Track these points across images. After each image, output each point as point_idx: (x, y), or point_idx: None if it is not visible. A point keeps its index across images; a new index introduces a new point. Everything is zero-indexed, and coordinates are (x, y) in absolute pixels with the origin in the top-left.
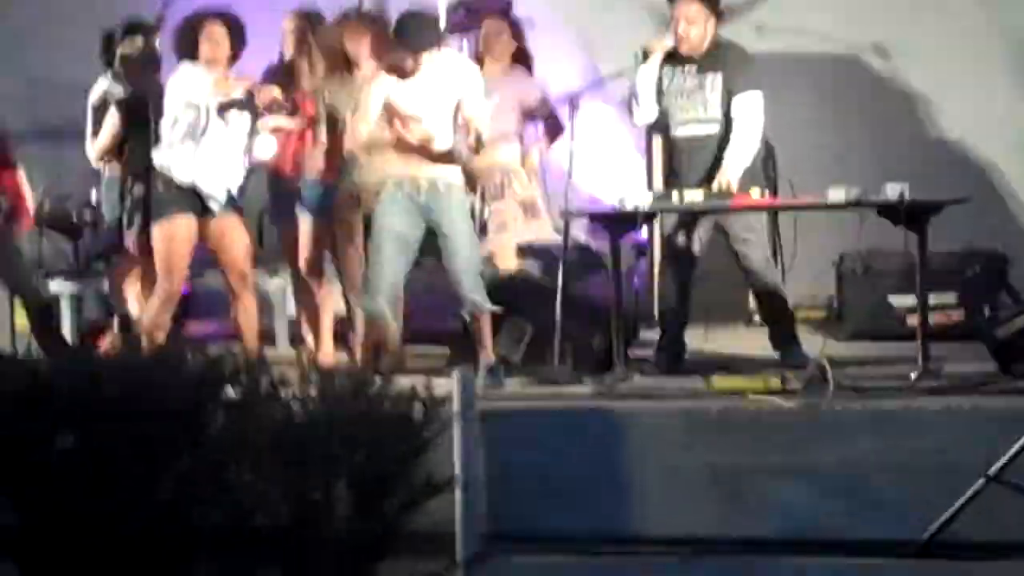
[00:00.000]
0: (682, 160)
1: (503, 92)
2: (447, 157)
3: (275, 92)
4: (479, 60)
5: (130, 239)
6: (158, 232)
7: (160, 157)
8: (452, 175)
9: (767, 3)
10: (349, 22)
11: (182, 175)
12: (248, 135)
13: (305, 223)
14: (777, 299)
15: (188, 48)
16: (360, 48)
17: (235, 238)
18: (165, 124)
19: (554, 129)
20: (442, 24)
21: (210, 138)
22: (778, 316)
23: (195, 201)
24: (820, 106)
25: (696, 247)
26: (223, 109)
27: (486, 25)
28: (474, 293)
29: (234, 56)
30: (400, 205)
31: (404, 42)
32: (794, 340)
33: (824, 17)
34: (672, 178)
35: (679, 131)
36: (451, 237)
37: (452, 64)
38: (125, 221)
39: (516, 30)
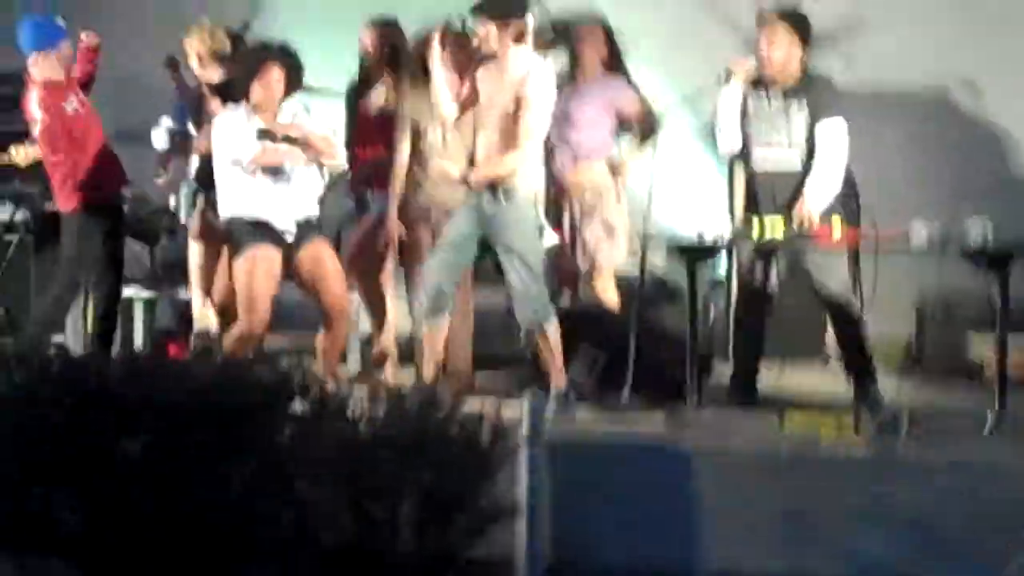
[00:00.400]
0: (763, 189)
1: (596, 101)
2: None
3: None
4: (571, 68)
5: (191, 222)
6: (239, 265)
7: (226, 209)
8: (520, 183)
9: (856, 35)
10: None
11: (254, 213)
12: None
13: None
14: (855, 332)
15: (241, 84)
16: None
17: (329, 266)
18: (219, 177)
19: (650, 133)
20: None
21: (272, 177)
22: (855, 350)
23: (275, 233)
24: (906, 139)
25: (773, 279)
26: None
27: (579, 31)
28: (528, 313)
29: (286, 94)
30: (462, 213)
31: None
32: (870, 376)
33: (913, 50)
34: (752, 207)
35: (760, 157)
36: (513, 253)
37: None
38: (185, 206)
39: (609, 37)
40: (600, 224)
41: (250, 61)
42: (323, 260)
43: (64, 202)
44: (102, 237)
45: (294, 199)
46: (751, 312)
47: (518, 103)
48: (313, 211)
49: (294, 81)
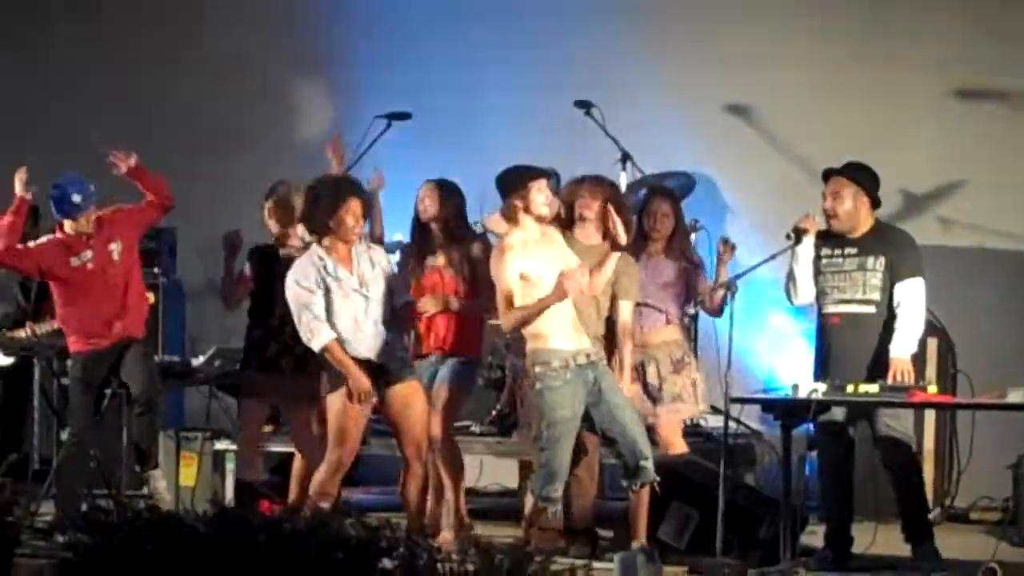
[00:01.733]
0: (834, 339)
1: (665, 274)
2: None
3: None
4: (644, 237)
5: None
6: (334, 402)
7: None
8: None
9: (952, 198)
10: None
11: (357, 352)
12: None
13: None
14: (915, 493)
15: (325, 216)
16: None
17: (417, 407)
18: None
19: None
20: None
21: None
22: (913, 510)
23: (370, 368)
24: (1002, 302)
25: (855, 438)
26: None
27: (655, 203)
28: (648, 460)
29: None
30: (571, 387)
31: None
32: (928, 536)
33: (1007, 214)
34: (822, 358)
35: (833, 309)
36: (617, 403)
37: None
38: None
39: (678, 211)
40: (689, 380)
41: (333, 194)
42: (411, 401)
43: (71, 343)
44: (94, 384)
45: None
46: (837, 467)
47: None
48: (405, 351)
49: (366, 217)
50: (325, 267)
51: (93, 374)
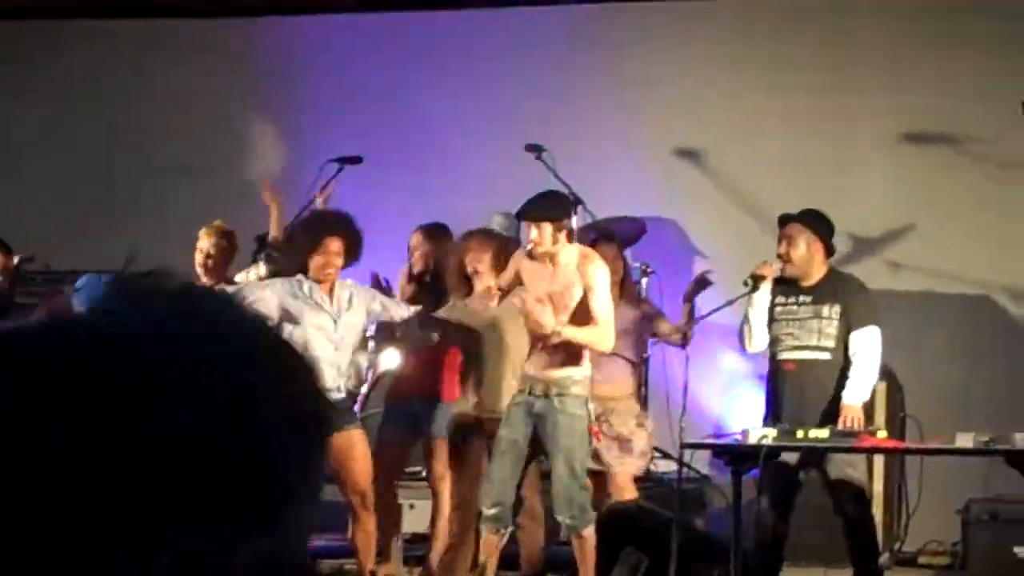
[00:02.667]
0: (788, 386)
1: (622, 320)
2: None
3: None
4: None
5: None
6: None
7: None
8: (569, 383)
9: (901, 242)
10: (472, 238)
11: None
12: (366, 340)
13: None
14: (866, 543)
15: (301, 253)
16: (480, 263)
17: (358, 456)
18: None
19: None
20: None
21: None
22: (864, 560)
23: None
24: (952, 346)
25: (800, 480)
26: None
27: (600, 249)
28: (566, 517)
29: (344, 267)
30: (516, 410)
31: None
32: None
33: (958, 258)
34: (776, 405)
35: (788, 356)
36: (552, 454)
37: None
38: None
39: (623, 257)
40: (616, 438)
41: (311, 231)
42: (353, 448)
43: None
44: None
45: (338, 372)
46: (776, 512)
47: (585, 291)
48: (348, 398)
49: (353, 253)
50: (301, 286)
51: None
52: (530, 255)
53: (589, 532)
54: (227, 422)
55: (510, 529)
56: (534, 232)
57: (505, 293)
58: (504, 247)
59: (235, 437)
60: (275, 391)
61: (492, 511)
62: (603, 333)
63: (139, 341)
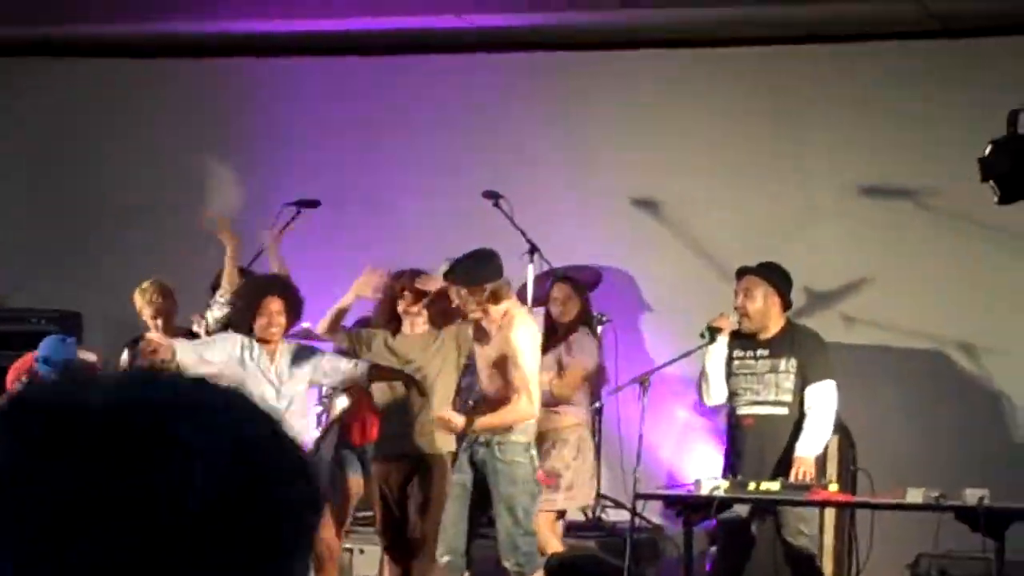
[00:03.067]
0: (747, 440)
1: (573, 355)
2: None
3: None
4: (550, 325)
5: None
6: None
7: None
8: (508, 431)
9: (856, 296)
10: (408, 280)
11: None
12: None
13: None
14: None
15: (244, 316)
16: (412, 307)
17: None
18: None
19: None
20: (529, 295)
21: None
22: None
23: None
24: (906, 401)
25: (754, 532)
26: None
27: (553, 290)
28: (512, 565)
29: (288, 327)
30: (463, 455)
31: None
32: None
33: (912, 313)
34: (735, 459)
35: (746, 411)
36: (495, 502)
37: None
38: None
39: (582, 295)
40: (571, 474)
41: (250, 295)
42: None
43: None
44: None
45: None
46: (730, 564)
47: (505, 357)
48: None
49: (294, 312)
50: (252, 350)
51: None
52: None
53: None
54: (238, 475)
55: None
56: (453, 294)
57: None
58: (440, 293)
59: (247, 488)
60: (278, 446)
61: (445, 559)
62: (521, 407)
63: (157, 406)
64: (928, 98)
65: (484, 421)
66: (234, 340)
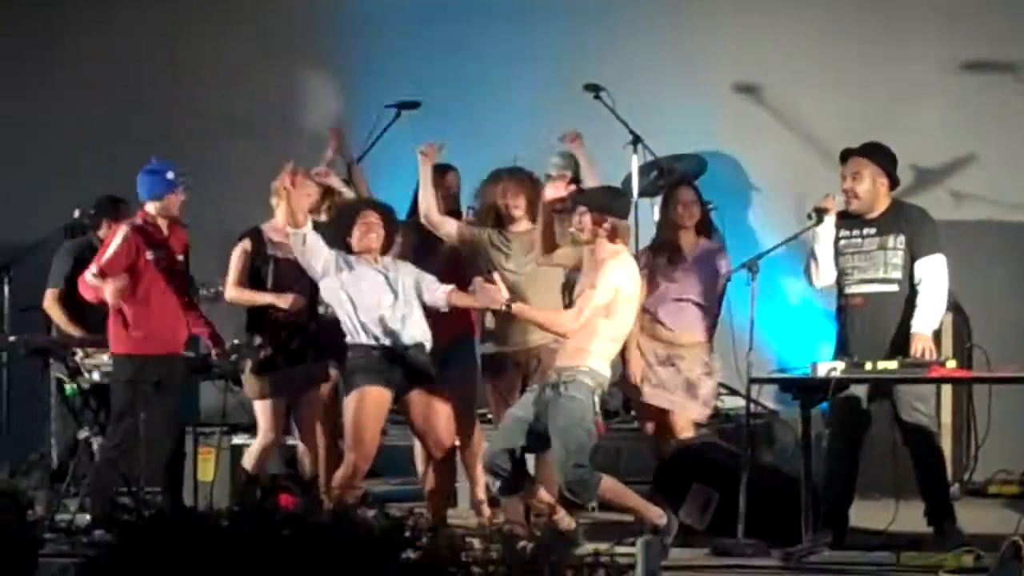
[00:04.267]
0: (857, 320)
1: (692, 263)
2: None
3: None
4: (669, 225)
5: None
6: (349, 402)
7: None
8: (576, 373)
9: (964, 171)
10: (506, 178)
11: (383, 340)
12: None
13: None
14: (937, 474)
15: (341, 236)
16: (517, 207)
17: (440, 412)
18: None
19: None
20: (635, 186)
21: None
22: (934, 493)
23: (392, 371)
24: (1015, 275)
25: (871, 415)
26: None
27: (679, 193)
28: (567, 491)
29: (386, 242)
30: (529, 395)
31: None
32: (949, 516)
33: (1018, 187)
34: (845, 339)
35: (856, 290)
36: (557, 433)
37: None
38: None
39: (702, 199)
40: (683, 382)
41: (345, 212)
42: (432, 407)
43: (114, 343)
44: (148, 387)
45: (409, 336)
46: (847, 446)
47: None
48: (426, 356)
49: (391, 227)
50: (344, 258)
51: (144, 377)
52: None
53: (592, 503)
54: None
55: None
56: (576, 218)
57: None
58: (538, 192)
59: None
60: None
61: (497, 484)
62: (564, 318)
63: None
64: None
65: (526, 309)
66: (328, 252)
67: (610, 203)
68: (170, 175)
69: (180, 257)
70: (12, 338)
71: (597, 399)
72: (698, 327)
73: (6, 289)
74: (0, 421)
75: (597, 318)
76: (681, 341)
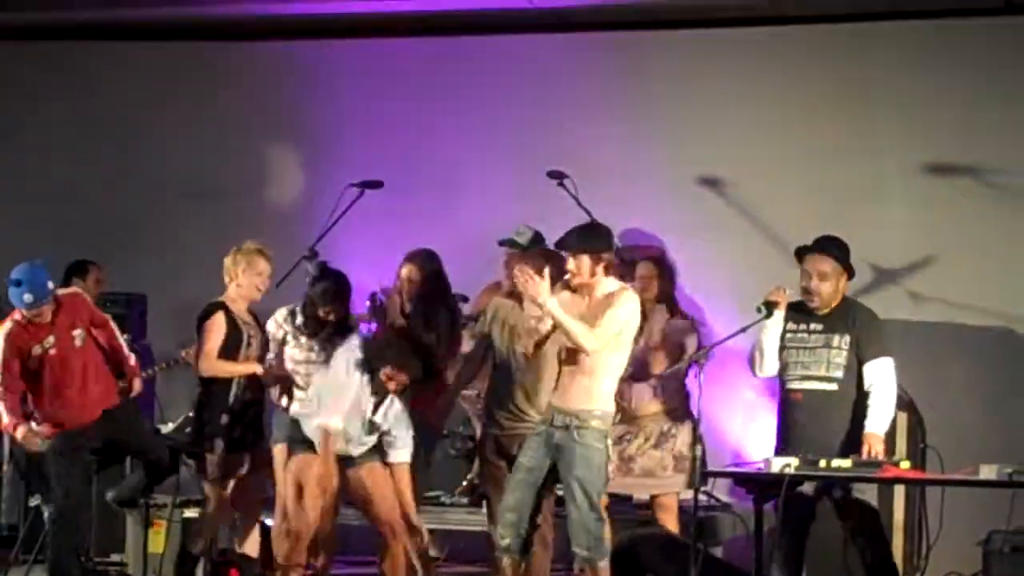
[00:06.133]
0: (797, 415)
1: (654, 333)
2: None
3: None
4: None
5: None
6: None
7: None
8: (588, 417)
9: (922, 273)
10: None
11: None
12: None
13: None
14: (884, 561)
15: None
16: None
17: (380, 488)
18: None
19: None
20: None
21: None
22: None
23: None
24: (971, 377)
25: (816, 507)
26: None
27: (640, 267)
28: (582, 549)
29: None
30: (535, 440)
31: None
32: None
33: (977, 289)
34: (785, 434)
35: (796, 386)
36: (569, 485)
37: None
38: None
39: (666, 273)
40: (670, 454)
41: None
42: (376, 482)
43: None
44: (84, 451)
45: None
46: (793, 543)
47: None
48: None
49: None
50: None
51: (77, 448)
52: (568, 286)
53: (604, 565)
54: None
55: (526, 557)
56: (572, 263)
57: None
58: (546, 263)
59: None
60: None
61: (507, 540)
62: (592, 336)
63: None
64: (995, 77)
65: (557, 311)
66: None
67: (598, 239)
68: (28, 298)
69: (77, 332)
70: None
71: (610, 444)
72: (651, 400)
73: None
74: None
75: (608, 352)
76: (638, 414)
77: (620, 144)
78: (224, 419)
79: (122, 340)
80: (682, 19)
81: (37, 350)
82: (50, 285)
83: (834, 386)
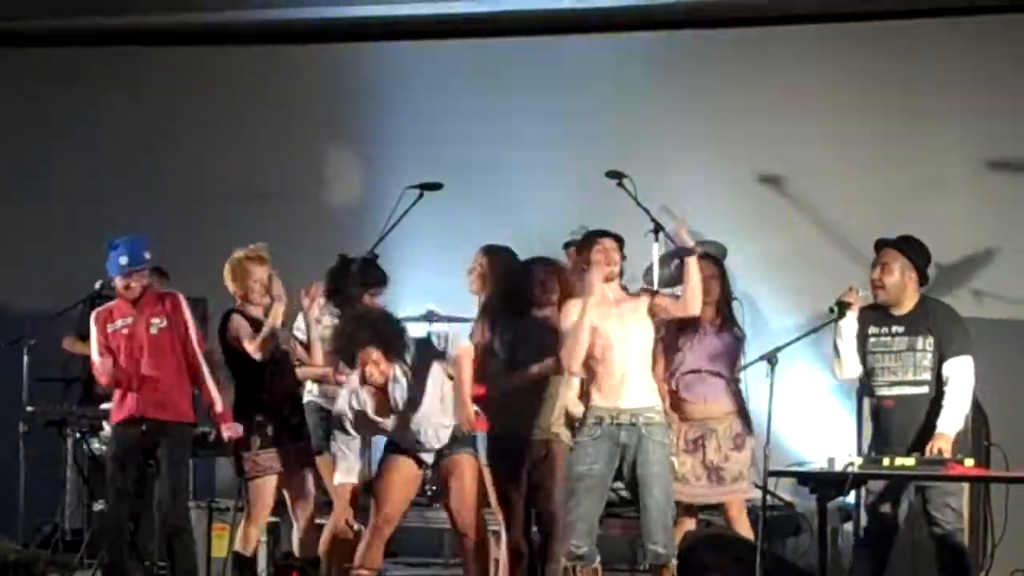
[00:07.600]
0: (890, 422)
1: (715, 344)
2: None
3: None
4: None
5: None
6: (381, 465)
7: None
8: (653, 412)
9: (985, 271)
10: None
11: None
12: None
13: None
14: (961, 563)
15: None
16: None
17: (463, 481)
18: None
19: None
20: (655, 275)
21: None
22: None
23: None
24: None
25: (900, 517)
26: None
27: (705, 267)
28: (659, 546)
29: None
30: (596, 445)
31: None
32: None
33: None
34: (879, 440)
35: (887, 392)
36: (645, 483)
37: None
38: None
39: (725, 280)
40: (702, 464)
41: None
42: (456, 473)
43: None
44: (133, 455)
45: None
46: (874, 548)
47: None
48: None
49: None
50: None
51: (125, 451)
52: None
53: (675, 563)
54: None
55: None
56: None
57: None
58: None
59: None
60: None
61: (583, 549)
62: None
63: None
64: None
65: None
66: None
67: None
68: (123, 260)
69: (156, 321)
70: (30, 408)
71: (672, 437)
72: (728, 399)
73: (24, 359)
74: (16, 491)
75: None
76: (712, 415)
77: (678, 143)
78: (259, 418)
79: (206, 371)
80: (743, 17)
81: (110, 328)
82: (147, 255)
83: (924, 388)
